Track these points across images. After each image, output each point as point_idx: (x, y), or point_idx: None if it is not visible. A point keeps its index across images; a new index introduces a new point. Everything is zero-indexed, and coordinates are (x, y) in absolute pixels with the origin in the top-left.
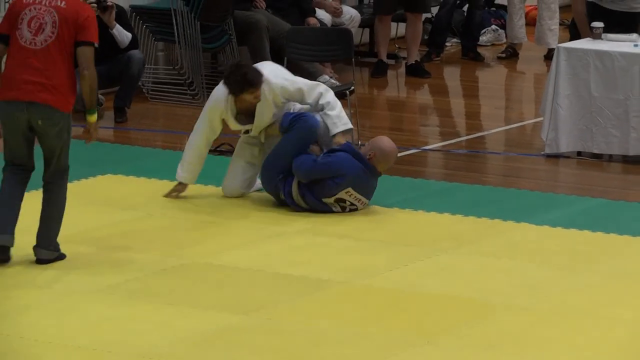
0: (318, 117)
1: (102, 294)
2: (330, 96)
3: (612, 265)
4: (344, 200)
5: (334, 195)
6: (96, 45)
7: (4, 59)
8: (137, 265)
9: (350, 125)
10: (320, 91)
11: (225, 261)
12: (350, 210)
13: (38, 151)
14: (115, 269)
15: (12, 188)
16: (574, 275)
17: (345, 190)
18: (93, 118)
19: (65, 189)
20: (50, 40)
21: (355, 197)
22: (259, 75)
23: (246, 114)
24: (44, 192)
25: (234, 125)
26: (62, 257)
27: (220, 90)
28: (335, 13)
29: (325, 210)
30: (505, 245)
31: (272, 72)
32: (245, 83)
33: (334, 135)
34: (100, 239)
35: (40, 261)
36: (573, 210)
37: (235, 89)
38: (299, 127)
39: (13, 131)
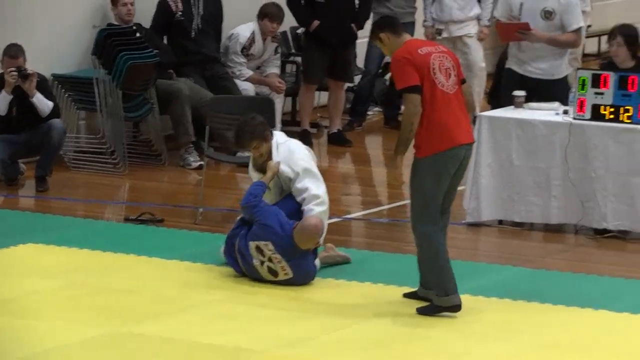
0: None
1: None
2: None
3: (533, 334)
4: (262, 251)
5: (259, 240)
6: None
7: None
8: (57, 335)
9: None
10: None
11: (146, 330)
12: (270, 271)
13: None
14: (36, 339)
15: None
16: (494, 345)
17: (265, 242)
18: None
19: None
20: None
21: (274, 256)
22: (248, 137)
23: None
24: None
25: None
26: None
27: None
28: (279, 90)
29: (249, 271)
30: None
31: (286, 156)
32: (236, 144)
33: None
34: (21, 308)
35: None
36: (494, 279)
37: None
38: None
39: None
